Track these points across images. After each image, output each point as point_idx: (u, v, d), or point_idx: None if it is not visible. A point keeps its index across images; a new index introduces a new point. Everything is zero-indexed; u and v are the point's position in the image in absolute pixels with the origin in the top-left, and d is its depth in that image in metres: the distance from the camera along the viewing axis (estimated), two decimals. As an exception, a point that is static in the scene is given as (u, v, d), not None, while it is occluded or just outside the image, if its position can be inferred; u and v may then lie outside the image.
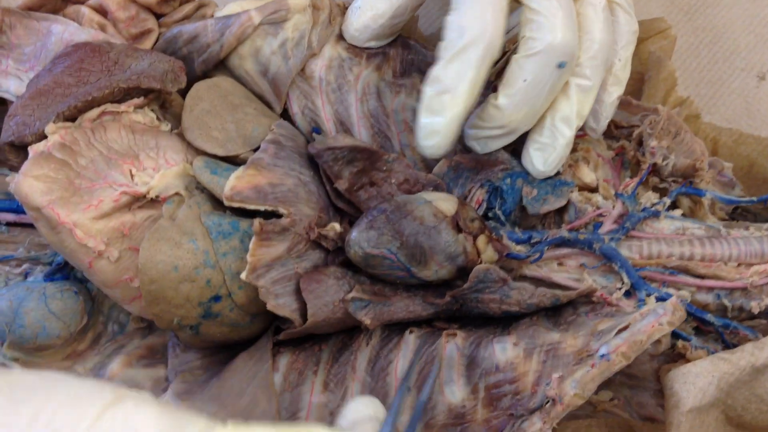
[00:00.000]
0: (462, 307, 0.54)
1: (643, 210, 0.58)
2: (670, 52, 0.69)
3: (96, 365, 0.58)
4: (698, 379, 0.50)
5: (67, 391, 0.32)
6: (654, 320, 0.49)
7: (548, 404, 0.48)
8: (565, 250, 0.57)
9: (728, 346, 0.56)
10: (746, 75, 0.78)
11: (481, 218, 0.55)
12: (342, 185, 0.56)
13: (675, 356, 0.55)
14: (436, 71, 0.54)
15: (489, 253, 0.54)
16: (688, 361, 0.54)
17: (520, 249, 0.57)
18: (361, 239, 0.52)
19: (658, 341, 0.53)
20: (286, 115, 0.64)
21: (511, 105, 0.55)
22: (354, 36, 0.62)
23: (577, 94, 0.56)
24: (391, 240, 0.52)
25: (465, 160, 0.59)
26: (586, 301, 0.54)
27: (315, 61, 0.63)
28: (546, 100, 0.55)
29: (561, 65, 0.53)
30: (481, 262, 0.53)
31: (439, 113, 0.54)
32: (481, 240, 0.54)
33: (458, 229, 0.53)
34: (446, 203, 0.53)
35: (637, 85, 0.69)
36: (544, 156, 0.57)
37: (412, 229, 0.52)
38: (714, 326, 0.56)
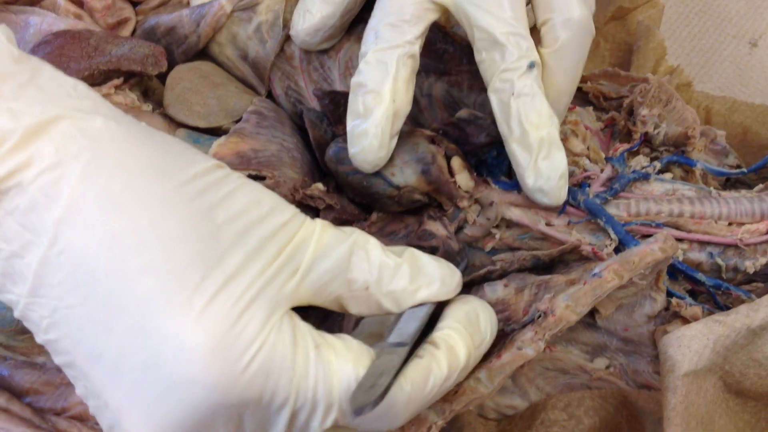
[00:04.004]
0: None
1: (633, 172, 0.61)
2: (659, 21, 0.72)
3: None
4: (693, 342, 0.52)
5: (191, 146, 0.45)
6: (646, 246, 0.51)
7: (540, 317, 0.50)
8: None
9: (721, 308, 0.59)
10: (738, 42, 0.81)
11: (460, 152, 0.58)
12: (341, 131, 0.60)
13: (670, 316, 0.57)
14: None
15: (464, 176, 0.57)
16: (683, 318, 0.56)
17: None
18: (334, 148, 0.57)
19: (654, 299, 0.55)
20: (269, 97, 0.68)
21: None
22: (305, 41, 0.63)
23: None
24: None
25: (449, 128, 0.62)
26: (577, 258, 0.57)
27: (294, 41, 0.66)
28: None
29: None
30: (455, 182, 0.57)
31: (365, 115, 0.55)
32: (456, 161, 0.57)
33: (432, 143, 0.57)
34: (427, 131, 0.57)
35: (625, 56, 0.73)
36: None
37: None
38: (705, 286, 0.58)
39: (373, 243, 0.45)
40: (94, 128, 0.40)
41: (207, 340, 0.38)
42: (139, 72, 0.63)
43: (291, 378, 0.39)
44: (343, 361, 0.41)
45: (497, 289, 0.55)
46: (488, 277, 0.56)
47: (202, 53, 0.70)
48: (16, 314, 0.41)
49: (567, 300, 0.50)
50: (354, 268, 0.43)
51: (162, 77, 0.66)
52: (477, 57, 0.57)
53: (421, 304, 0.45)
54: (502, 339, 0.51)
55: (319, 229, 0.44)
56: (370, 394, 0.39)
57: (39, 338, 0.41)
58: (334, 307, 0.45)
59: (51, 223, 0.38)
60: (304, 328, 0.41)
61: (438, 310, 0.46)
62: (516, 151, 0.56)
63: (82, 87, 0.42)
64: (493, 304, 0.53)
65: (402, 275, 0.45)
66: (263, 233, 0.41)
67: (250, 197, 0.42)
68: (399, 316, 0.45)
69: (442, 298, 0.46)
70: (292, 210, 0.44)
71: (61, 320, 0.40)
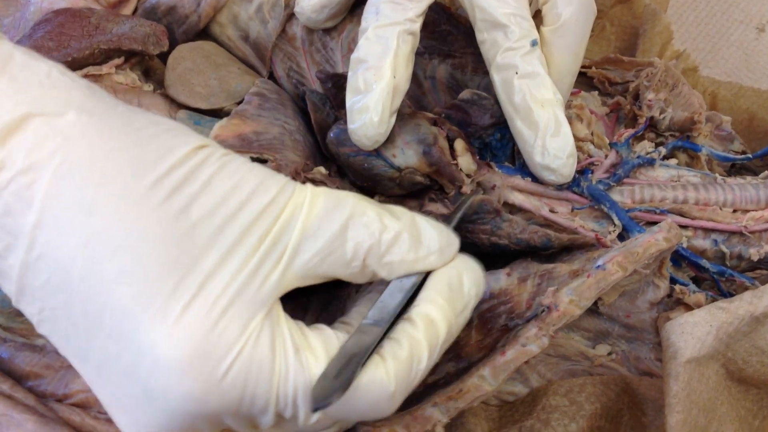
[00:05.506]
0: None
1: (638, 158, 0.61)
2: (666, 4, 0.72)
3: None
4: (696, 329, 0.52)
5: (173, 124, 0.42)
6: (650, 236, 0.51)
7: (543, 312, 0.50)
8: (552, 190, 0.60)
9: (725, 295, 0.59)
10: (745, 27, 0.82)
11: (463, 134, 0.58)
12: (343, 115, 0.59)
13: (673, 303, 0.57)
14: None
15: (467, 159, 0.57)
16: (686, 305, 0.57)
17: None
18: (336, 130, 0.57)
19: (657, 286, 0.56)
20: (271, 79, 0.68)
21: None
22: (311, 18, 0.63)
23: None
24: None
25: (451, 111, 0.62)
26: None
27: (296, 21, 0.66)
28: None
29: None
30: (456, 165, 0.57)
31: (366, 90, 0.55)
32: (459, 144, 0.57)
33: (434, 125, 0.57)
34: (429, 114, 0.58)
35: (631, 40, 0.73)
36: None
37: None
38: (709, 272, 0.59)
39: (370, 214, 0.42)
40: (65, 124, 0.39)
41: (182, 351, 0.37)
42: (140, 51, 0.63)
43: (270, 386, 0.39)
44: (322, 365, 0.40)
45: (500, 279, 0.55)
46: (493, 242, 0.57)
47: (204, 33, 0.70)
48: (14, 305, 0.41)
49: (571, 294, 0.50)
50: (349, 245, 0.41)
51: (163, 57, 0.66)
52: (478, 37, 0.57)
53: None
54: (506, 334, 0.52)
55: (309, 200, 0.41)
56: (334, 384, 0.38)
57: (37, 330, 0.41)
58: (327, 280, 0.43)
59: (27, 227, 0.38)
60: (285, 329, 0.40)
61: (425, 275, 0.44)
62: (521, 129, 0.56)
63: (55, 73, 0.41)
64: (496, 295, 0.53)
65: (401, 245, 0.43)
66: (242, 223, 0.39)
67: (231, 181, 0.40)
68: (386, 285, 0.43)
69: (437, 268, 0.44)
70: (279, 183, 0.41)
71: (47, 319, 0.40)
